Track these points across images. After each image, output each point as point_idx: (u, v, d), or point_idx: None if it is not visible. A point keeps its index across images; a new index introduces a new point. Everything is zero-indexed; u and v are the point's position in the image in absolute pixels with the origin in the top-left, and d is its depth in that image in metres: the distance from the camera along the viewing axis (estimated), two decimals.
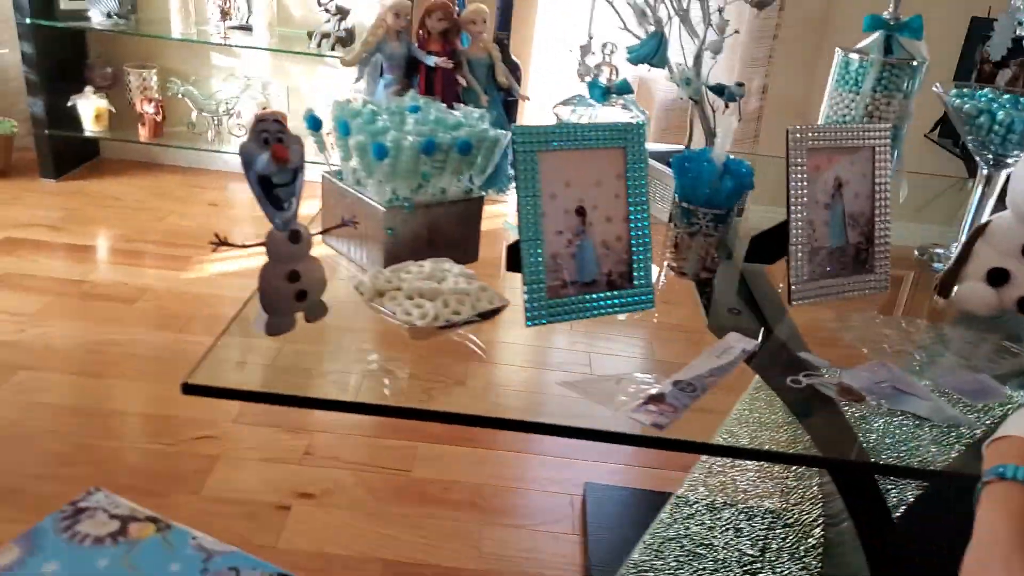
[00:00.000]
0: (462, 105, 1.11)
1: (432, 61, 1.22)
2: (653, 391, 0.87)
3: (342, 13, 2.89)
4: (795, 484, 1.56)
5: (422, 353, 0.93)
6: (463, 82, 1.25)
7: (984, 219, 1.17)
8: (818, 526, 1.54)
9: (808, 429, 0.90)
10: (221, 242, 0.83)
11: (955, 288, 1.14)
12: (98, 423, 1.84)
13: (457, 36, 1.26)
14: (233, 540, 0.75)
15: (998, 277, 1.11)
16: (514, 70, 1.33)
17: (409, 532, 1.62)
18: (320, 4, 2.90)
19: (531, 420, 0.83)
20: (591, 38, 1.22)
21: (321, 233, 0.97)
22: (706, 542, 1.56)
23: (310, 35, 2.99)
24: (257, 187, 0.81)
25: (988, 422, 0.90)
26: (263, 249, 0.85)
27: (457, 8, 1.24)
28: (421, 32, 1.24)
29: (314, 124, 1.01)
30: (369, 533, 1.61)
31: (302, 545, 1.56)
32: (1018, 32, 1.27)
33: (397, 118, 1.02)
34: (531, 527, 1.68)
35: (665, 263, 1.18)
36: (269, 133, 0.84)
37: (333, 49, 2.90)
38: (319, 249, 0.93)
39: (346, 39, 2.91)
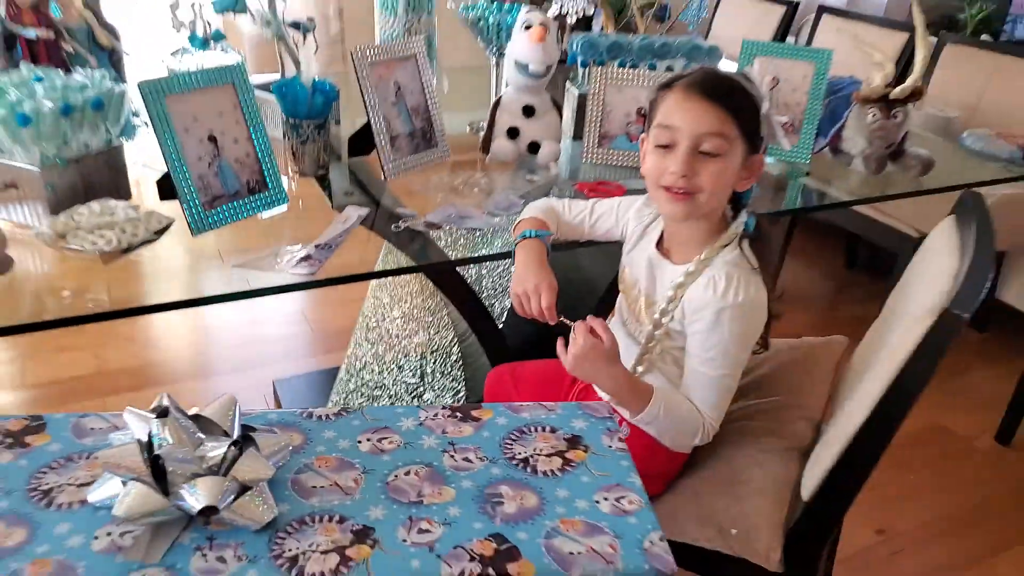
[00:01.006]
0: (79, 69, 1.28)
1: (33, 33, 1.33)
2: (302, 254, 1.23)
3: None
4: (432, 319, 2.05)
5: (115, 274, 1.15)
6: (69, 49, 1.39)
7: (499, 94, 1.70)
8: (455, 344, 2.06)
9: (408, 254, 1.34)
10: None
11: (491, 145, 1.66)
12: None
13: (47, 7, 1.38)
14: None
15: (513, 132, 1.65)
16: (112, 31, 1.49)
17: None
18: None
19: (224, 292, 1.12)
20: None
21: None
22: (380, 384, 2.00)
23: None
24: None
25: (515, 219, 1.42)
26: None
27: None
28: (10, 8, 1.34)
29: None
30: None
31: None
32: None
33: (25, 89, 1.17)
34: None
35: (290, 170, 1.51)
36: None
37: None
38: None
39: None
